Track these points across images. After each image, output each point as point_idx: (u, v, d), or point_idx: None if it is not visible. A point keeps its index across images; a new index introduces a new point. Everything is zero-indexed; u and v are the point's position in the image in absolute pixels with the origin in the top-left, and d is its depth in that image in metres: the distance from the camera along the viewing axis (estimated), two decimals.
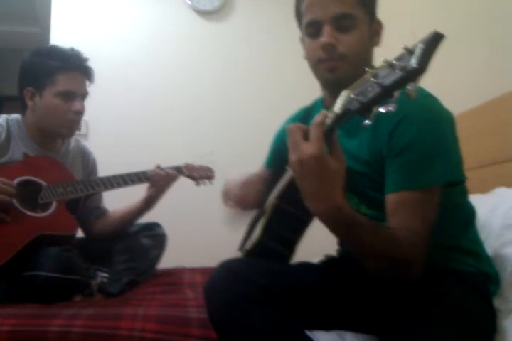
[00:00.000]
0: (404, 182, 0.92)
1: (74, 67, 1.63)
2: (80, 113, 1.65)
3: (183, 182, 1.87)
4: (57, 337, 1.08)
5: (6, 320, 1.12)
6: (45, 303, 1.32)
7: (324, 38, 0.99)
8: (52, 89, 1.60)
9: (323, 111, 0.81)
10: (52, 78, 1.60)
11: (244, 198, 1.16)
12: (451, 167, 0.96)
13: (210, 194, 1.86)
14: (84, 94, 1.68)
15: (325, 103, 1.13)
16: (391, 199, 0.93)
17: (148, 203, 1.76)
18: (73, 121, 1.66)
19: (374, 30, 1.04)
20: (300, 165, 0.79)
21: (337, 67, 1.00)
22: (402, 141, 0.93)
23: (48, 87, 1.60)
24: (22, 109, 1.67)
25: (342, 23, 0.98)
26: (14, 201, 1.45)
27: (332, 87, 1.06)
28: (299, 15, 1.06)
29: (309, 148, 0.78)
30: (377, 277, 0.89)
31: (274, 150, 1.32)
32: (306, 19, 1.03)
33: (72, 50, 1.66)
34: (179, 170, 1.82)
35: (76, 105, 1.63)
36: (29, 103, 1.63)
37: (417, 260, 0.87)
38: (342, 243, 1.06)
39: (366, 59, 1.03)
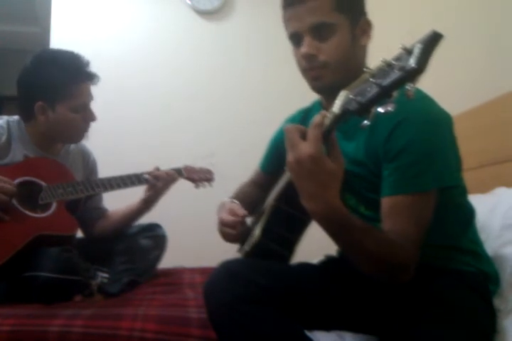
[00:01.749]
0: (399, 186, 0.92)
1: (84, 78, 1.63)
2: (93, 121, 1.68)
3: (183, 183, 1.87)
4: (57, 337, 1.08)
5: (6, 320, 1.12)
6: (45, 303, 1.32)
7: (304, 48, 1.01)
8: (65, 104, 1.59)
9: (322, 112, 0.81)
10: (65, 93, 1.59)
11: (236, 222, 1.13)
12: (446, 171, 0.96)
13: (210, 194, 1.86)
14: (91, 100, 1.69)
15: (323, 105, 1.13)
16: (386, 202, 0.93)
17: (147, 204, 1.76)
18: (86, 130, 1.69)
19: (361, 31, 1.04)
20: (297, 165, 0.79)
21: (321, 76, 1.02)
22: (398, 144, 0.93)
23: (60, 101, 1.59)
24: (26, 118, 1.64)
25: (321, 32, 1.00)
26: (14, 201, 1.45)
27: (322, 94, 1.08)
28: (284, 25, 1.07)
29: (307, 148, 0.78)
30: (373, 278, 0.90)
31: (271, 152, 1.32)
32: (287, 32, 1.06)
33: (74, 55, 1.63)
34: (179, 172, 1.82)
35: (90, 116, 1.66)
36: (40, 117, 1.61)
37: (408, 264, 0.88)
38: (335, 243, 1.06)
39: (354, 61, 1.03)
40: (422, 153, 0.92)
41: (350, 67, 1.01)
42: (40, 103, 1.59)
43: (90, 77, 1.65)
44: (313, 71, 1.03)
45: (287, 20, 1.04)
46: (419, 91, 0.98)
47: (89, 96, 1.67)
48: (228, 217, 1.12)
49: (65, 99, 1.59)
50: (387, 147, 0.94)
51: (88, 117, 1.66)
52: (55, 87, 1.58)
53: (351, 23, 1.02)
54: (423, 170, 0.92)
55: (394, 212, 0.92)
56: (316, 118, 0.80)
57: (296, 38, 1.04)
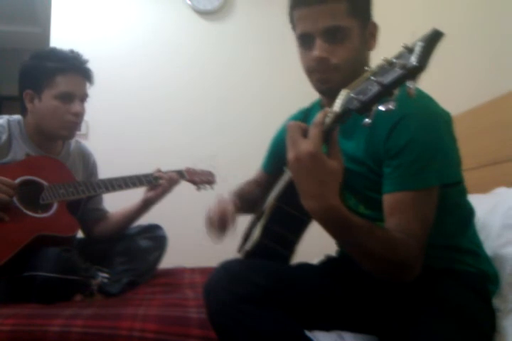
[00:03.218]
0: (401, 183, 0.92)
1: (72, 68, 1.62)
2: (79, 115, 1.64)
3: (183, 184, 1.87)
4: (57, 337, 1.08)
5: (6, 320, 1.12)
6: (45, 303, 1.32)
7: (316, 51, 0.99)
8: (50, 92, 1.60)
9: (325, 109, 0.81)
10: (51, 80, 1.59)
11: (223, 224, 1.14)
12: (447, 168, 0.96)
13: (211, 196, 1.86)
14: (83, 96, 1.67)
15: (323, 105, 1.13)
16: (388, 200, 0.93)
17: (146, 205, 1.76)
18: (73, 123, 1.65)
19: (369, 34, 1.04)
20: (297, 162, 0.79)
21: (330, 79, 1.01)
22: (399, 142, 0.93)
23: (46, 90, 1.60)
24: (22, 111, 1.66)
25: (334, 35, 0.98)
26: (15, 201, 1.45)
27: (325, 95, 1.08)
28: (292, 23, 1.06)
29: (307, 145, 0.78)
30: (375, 277, 0.89)
31: (272, 152, 1.33)
32: (297, 31, 1.03)
33: (72, 52, 1.65)
34: (180, 174, 1.82)
35: (75, 107, 1.62)
36: (29, 106, 1.63)
37: (413, 262, 0.87)
38: (338, 243, 1.06)
39: (362, 64, 1.01)
40: (424, 150, 0.92)
41: (358, 70, 1.00)
42: (28, 91, 1.61)
43: (79, 69, 1.64)
44: (323, 73, 1.01)
45: (298, 20, 1.02)
46: (419, 91, 0.98)
47: (76, 88, 1.64)
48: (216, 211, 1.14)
49: (49, 87, 1.60)
50: (388, 145, 0.94)
51: (74, 109, 1.62)
52: (42, 74, 1.59)
53: (362, 27, 1.01)
54: (425, 167, 0.92)
55: (397, 209, 0.91)
56: (318, 117, 0.80)
57: (305, 39, 1.02)
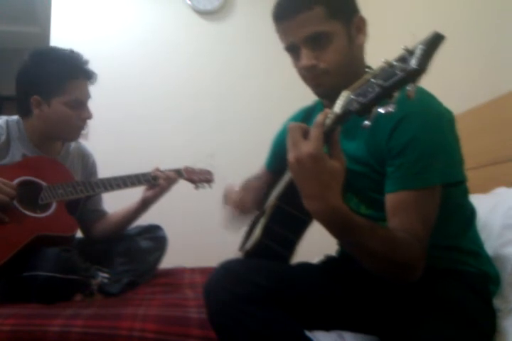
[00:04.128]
0: (404, 182, 0.92)
1: (81, 75, 1.63)
2: (88, 119, 1.67)
3: (184, 185, 1.87)
4: (57, 337, 1.08)
5: (6, 320, 1.12)
6: (45, 303, 1.32)
7: (303, 61, 1.00)
8: (60, 99, 1.60)
9: (326, 110, 0.81)
10: (60, 87, 1.59)
11: (243, 203, 1.16)
12: (451, 167, 0.96)
13: (211, 196, 1.87)
14: (88, 99, 1.69)
15: (325, 105, 1.13)
16: (390, 199, 0.93)
17: (145, 205, 1.76)
18: (81, 128, 1.68)
19: (356, 30, 1.03)
20: (297, 164, 0.79)
21: (322, 83, 1.02)
22: (402, 141, 0.93)
23: (55, 96, 1.59)
24: (24, 114, 1.65)
25: (317, 41, 0.99)
26: (14, 201, 1.45)
27: (325, 98, 1.09)
28: (279, 38, 1.06)
29: (307, 147, 0.78)
30: (377, 277, 0.89)
31: (274, 151, 1.32)
32: (283, 44, 1.05)
33: (73, 52, 1.64)
34: (179, 173, 1.82)
35: (85, 113, 1.65)
36: (35, 111, 1.61)
37: (415, 262, 0.87)
38: (340, 243, 1.06)
39: (353, 62, 1.03)
40: (426, 149, 0.92)
41: (350, 69, 1.01)
42: (35, 97, 1.60)
43: (87, 75, 1.65)
44: (313, 80, 1.03)
45: (281, 34, 1.04)
46: (421, 89, 0.98)
47: (85, 94, 1.66)
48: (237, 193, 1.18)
49: (59, 94, 1.59)
50: (390, 144, 0.94)
51: (84, 115, 1.65)
52: (51, 81, 1.59)
53: (346, 26, 1.01)
54: (428, 166, 0.91)
55: (399, 209, 0.91)
56: (319, 118, 0.80)
57: (292, 50, 1.03)
